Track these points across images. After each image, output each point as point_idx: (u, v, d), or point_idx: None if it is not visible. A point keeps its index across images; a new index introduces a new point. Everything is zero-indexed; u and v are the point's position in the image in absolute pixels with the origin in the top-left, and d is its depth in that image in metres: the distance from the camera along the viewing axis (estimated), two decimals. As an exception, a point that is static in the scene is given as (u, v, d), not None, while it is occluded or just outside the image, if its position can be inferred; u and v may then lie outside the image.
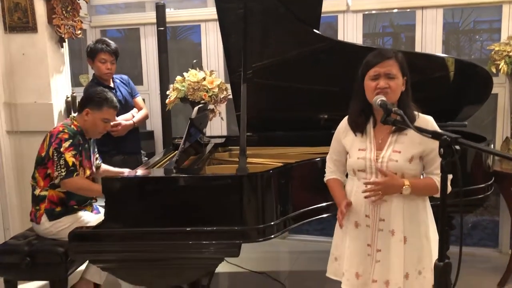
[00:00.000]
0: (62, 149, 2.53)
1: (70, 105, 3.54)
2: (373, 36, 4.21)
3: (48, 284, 2.64)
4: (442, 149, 1.36)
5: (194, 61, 3.44)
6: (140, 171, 2.43)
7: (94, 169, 2.82)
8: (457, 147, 1.35)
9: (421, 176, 1.92)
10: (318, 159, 2.40)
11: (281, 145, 3.10)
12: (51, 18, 3.30)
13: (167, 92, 3.34)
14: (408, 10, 3.70)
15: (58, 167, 2.52)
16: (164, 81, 3.85)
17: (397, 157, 1.86)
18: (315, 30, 2.73)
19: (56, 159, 2.53)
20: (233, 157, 3.00)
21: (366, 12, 3.76)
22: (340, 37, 3.75)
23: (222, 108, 3.55)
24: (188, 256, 2.15)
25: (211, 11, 3.81)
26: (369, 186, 1.83)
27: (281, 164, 2.43)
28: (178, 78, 3.26)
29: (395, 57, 1.88)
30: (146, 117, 3.59)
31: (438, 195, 1.72)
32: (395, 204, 1.86)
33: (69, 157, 2.53)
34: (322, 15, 2.75)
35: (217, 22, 2.78)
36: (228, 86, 3.08)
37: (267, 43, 2.85)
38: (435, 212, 1.96)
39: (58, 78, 3.48)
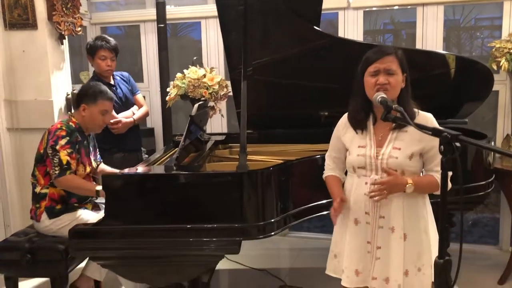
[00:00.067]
0: (58, 147, 2.53)
1: (71, 102, 3.53)
2: (373, 33, 4.20)
3: (48, 281, 2.64)
4: (442, 146, 1.36)
5: (195, 58, 3.44)
6: (140, 168, 2.43)
7: (95, 165, 2.82)
8: (458, 144, 1.34)
9: (421, 173, 1.92)
10: (319, 156, 2.40)
11: (281, 142, 3.10)
12: (51, 15, 3.30)
13: (167, 89, 3.35)
14: (409, 7, 3.69)
15: (53, 165, 2.53)
16: (164, 78, 3.85)
17: (397, 154, 1.85)
18: (315, 27, 2.72)
19: (51, 157, 2.53)
20: (234, 154, 3.00)
21: (367, 9, 3.75)
22: (340, 34, 3.74)
23: (222, 105, 3.54)
24: (189, 253, 2.15)
25: (211, 8, 3.80)
26: (375, 186, 1.83)
27: (281, 161, 2.43)
28: (179, 75, 3.26)
29: (395, 54, 1.88)
30: (146, 114, 3.59)
31: (438, 192, 1.72)
32: (395, 201, 1.86)
33: (64, 155, 2.53)
34: (322, 12, 2.75)
35: (218, 19, 2.78)
36: (229, 83, 3.08)
37: (267, 40, 2.85)
38: (435, 210, 1.96)
39: (58, 75, 3.48)
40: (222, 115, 3.48)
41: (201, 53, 4.13)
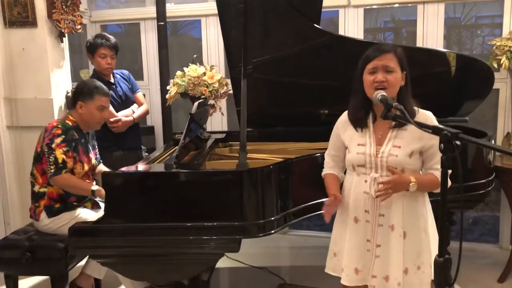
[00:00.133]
0: (53, 145, 2.52)
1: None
2: (374, 31, 4.19)
3: (48, 279, 2.64)
4: (442, 145, 1.36)
5: (195, 56, 3.44)
6: (140, 166, 2.42)
7: (94, 162, 2.80)
8: (458, 142, 1.34)
9: (420, 171, 1.92)
10: (318, 154, 2.40)
11: (281, 141, 3.09)
12: (51, 13, 3.29)
13: (168, 87, 3.34)
14: (410, 5, 3.68)
15: (49, 163, 2.52)
16: (165, 76, 3.84)
17: (397, 152, 1.85)
18: (315, 25, 2.72)
19: (47, 155, 2.52)
20: (234, 152, 3.00)
21: (367, 7, 3.74)
22: (341, 32, 3.73)
23: (222, 103, 3.54)
24: (188, 251, 2.15)
25: (211, 6, 3.79)
26: (379, 186, 1.82)
27: (281, 160, 2.43)
28: (179, 73, 3.26)
29: (393, 51, 1.88)
30: (146, 112, 3.59)
31: (438, 191, 1.72)
32: (395, 200, 1.86)
33: (60, 154, 2.52)
34: (323, 10, 2.75)
35: (218, 17, 2.78)
36: (229, 81, 3.07)
37: (267, 38, 2.85)
38: (435, 208, 1.96)
39: (58, 73, 3.47)
40: (222, 113, 3.47)
41: (201, 51, 4.12)
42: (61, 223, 2.58)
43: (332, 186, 2.01)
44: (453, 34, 3.99)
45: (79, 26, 3.51)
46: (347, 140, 1.98)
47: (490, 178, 2.84)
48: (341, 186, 2.06)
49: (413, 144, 1.86)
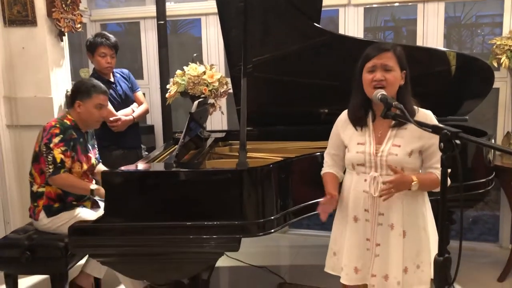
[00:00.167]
0: (51, 145, 2.51)
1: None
2: (374, 30, 4.19)
3: (48, 278, 2.64)
4: (442, 143, 1.36)
5: (195, 55, 3.43)
6: (140, 165, 2.42)
7: (94, 162, 2.80)
8: (458, 141, 1.34)
9: (420, 170, 1.92)
10: (318, 153, 2.39)
11: (281, 140, 3.09)
12: (50, 12, 3.28)
13: (167, 86, 3.34)
14: (410, 4, 3.68)
15: (47, 163, 2.52)
16: (164, 75, 3.84)
17: (396, 151, 1.85)
18: (315, 24, 2.71)
19: (45, 155, 2.52)
20: (233, 151, 3.00)
21: (367, 6, 3.74)
22: (341, 31, 3.73)
23: (222, 102, 3.54)
24: (188, 250, 2.15)
25: (211, 5, 3.78)
26: (383, 185, 1.82)
27: (281, 159, 2.43)
28: (178, 72, 3.26)
29: (393, 50, 1.88)
30: (146, 112, 3.59)
31: (438, 190, 1.72)
32: (394, 199, 1.85)
33: (58, 153, 2.52)
34: (323, 9, 2.74)
35: (218, 16, 2.77)
36: (229, 80, 3.07)
37: (267, 37, 2.84)
38: (435, 207, 1.95)
39: (58, 72, 3.47)
40: (222, 112, 3.47)
41: (201, 50, 4.12)
42: (60, 222, 2.58)
43: (329, 185, 2.01)
44: (453, 33, 3.99)
45: (79, 25, 3.50)
46: (347, 139, 1.98)
47: (490, 177, 2.84)
48: (340, 185, 2.06)
49: (413, 143, 1.85)
